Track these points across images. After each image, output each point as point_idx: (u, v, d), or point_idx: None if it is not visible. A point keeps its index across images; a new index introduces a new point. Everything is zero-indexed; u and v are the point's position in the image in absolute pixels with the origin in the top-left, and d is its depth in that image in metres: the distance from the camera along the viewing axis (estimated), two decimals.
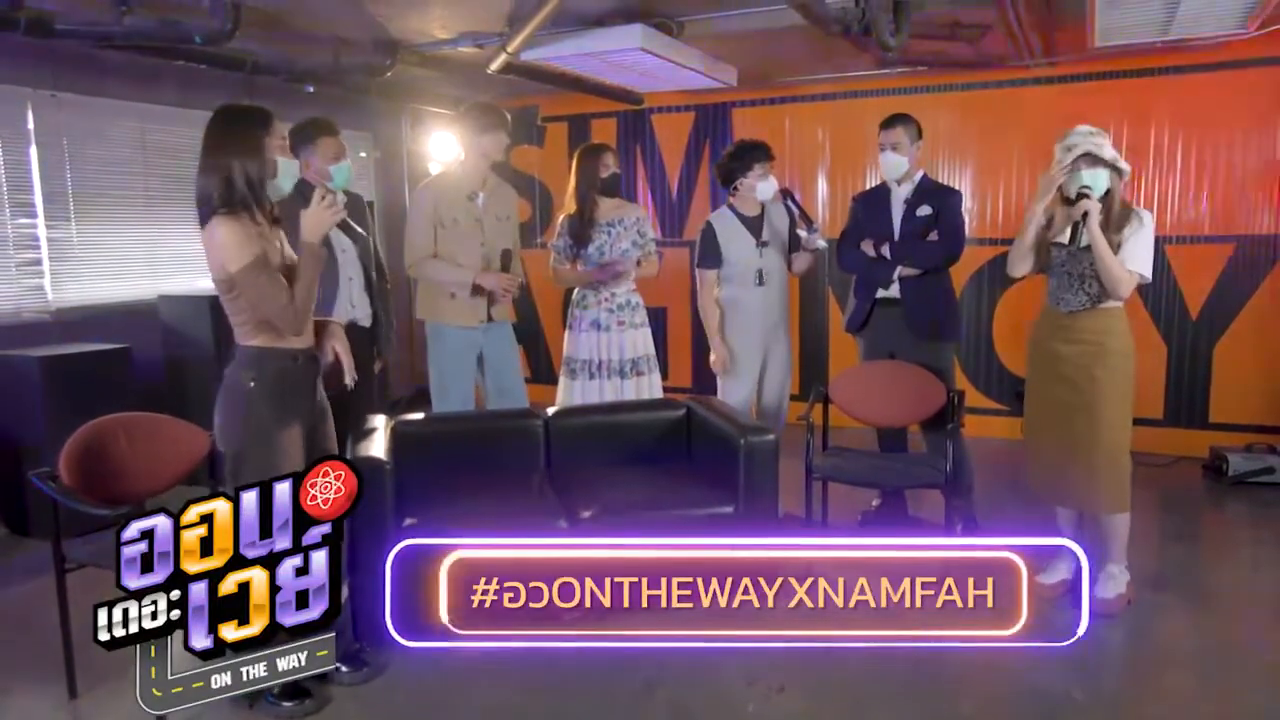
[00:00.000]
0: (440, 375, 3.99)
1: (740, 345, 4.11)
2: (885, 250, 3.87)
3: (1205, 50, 4.73)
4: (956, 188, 4.09)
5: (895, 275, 3.86)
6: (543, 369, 6.89)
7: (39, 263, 4.59)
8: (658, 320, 6.51)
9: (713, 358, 4.14)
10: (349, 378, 2.73)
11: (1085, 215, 3.09)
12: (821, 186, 6.18)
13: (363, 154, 6.42)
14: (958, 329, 4.06)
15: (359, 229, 2.86)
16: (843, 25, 3.87)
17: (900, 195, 3.91)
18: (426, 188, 3.96)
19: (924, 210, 3.85)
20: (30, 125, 4.52)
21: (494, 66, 4.46)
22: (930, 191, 3.90)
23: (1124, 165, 3.15)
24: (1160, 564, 3.70)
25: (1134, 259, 3.12)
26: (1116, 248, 3.11)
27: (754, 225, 4.08)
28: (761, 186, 4.02)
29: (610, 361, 4.15)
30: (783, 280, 4.12)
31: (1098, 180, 3.11)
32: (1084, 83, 5.32)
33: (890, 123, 3.87)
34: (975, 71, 5.30)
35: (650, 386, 4.22)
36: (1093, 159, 3.11)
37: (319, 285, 2.75)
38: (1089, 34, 4.05)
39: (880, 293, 3.92)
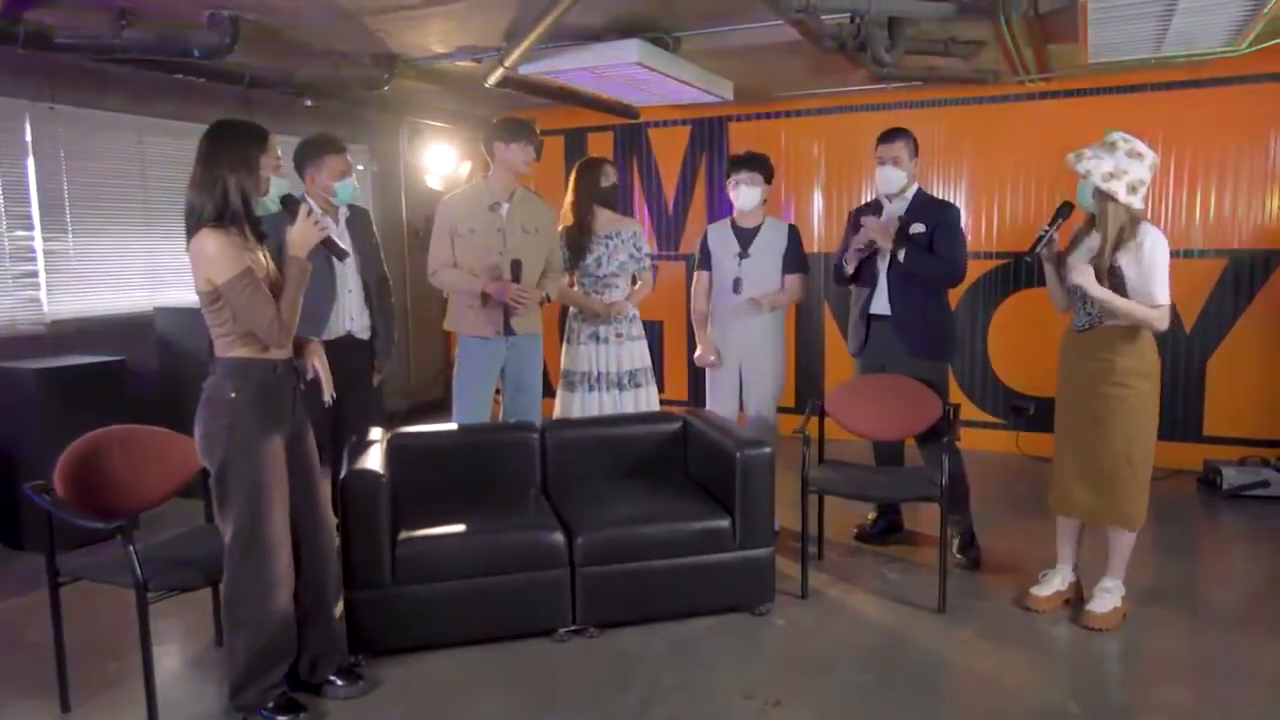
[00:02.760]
0: (458, 385, 4.00)
1: (718, 347, 4.21)
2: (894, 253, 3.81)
3: (1197, 66, 4.77)
4: (952, 202, 4.03)
5: (884, 280, 3.83)
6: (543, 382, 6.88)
7: (35, 275, 4.58)
8: (654, 333, 6.52)
9: (698, 352, 4.25)
10: (328, 395, 2.74)
11: (1048, 237, 3.23)
12: (817, 201, 6.21)
13: (360, 167, 6.44)
14: (951, 348, 4.01)
15: (343, 247, 2.85)
16: (838, 41, 3.90)
17: (893, 211, 3.89)
18: (447, 199, 4.00)
19: (917, 228, 3.80)
20: (28, 137, 4.53)
21: (491, 80, 4.48)
22: (924, 207, 3.86)
23: (1100, 183, 3.05)
24: (1156, 577, 3.71)
25: (1145, 292, 3.05)
26: (1116, 271, 3.08)
27: (744, 236, 4.13)
28: (734, 194, 4.11)
29: (608, 373, 4.17)
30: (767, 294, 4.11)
31: (1081, 191, 3.15)
32: (1077, 98, 5.36)
33: (891, 137, 3.84)
34: (969, 87, 5.33)
35: (648, 399, 4.25)
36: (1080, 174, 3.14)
37: (316, 297, 2.75)
38: (1082, 50, 4.08)
39: (873, 309, 3.91)
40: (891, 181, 3.85)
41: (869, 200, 3.96)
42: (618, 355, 4.17)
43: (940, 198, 4.04)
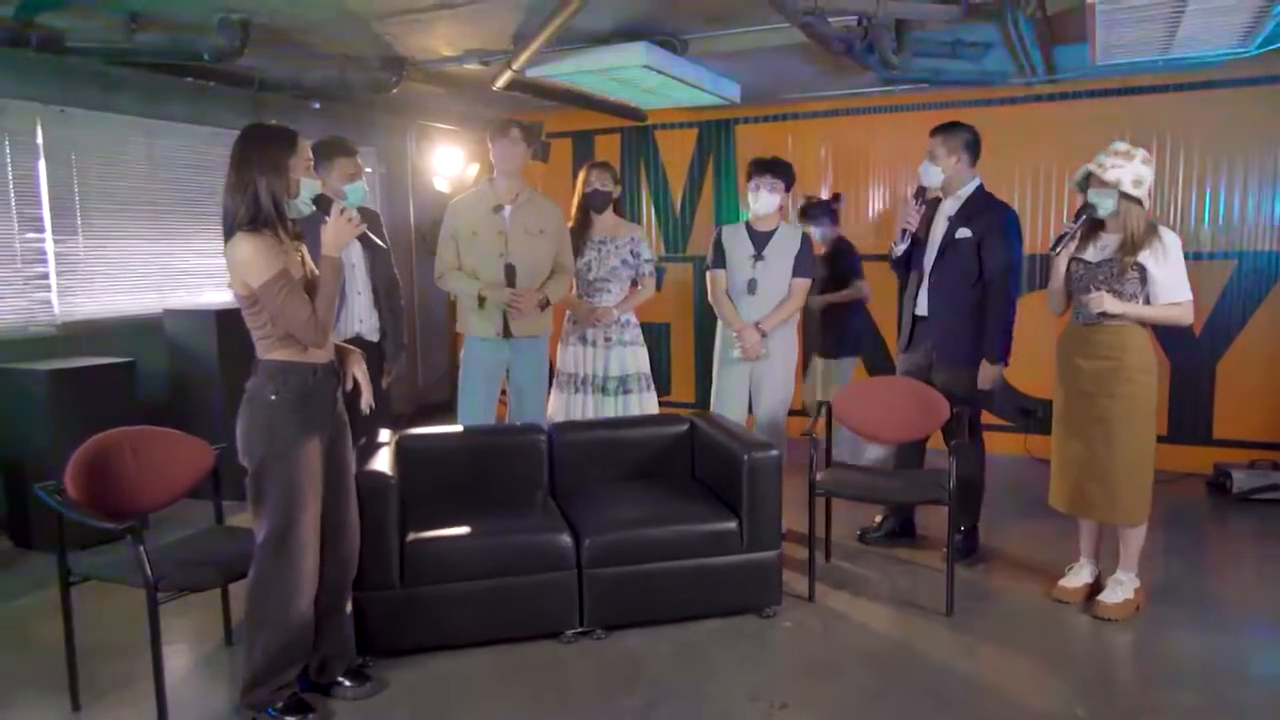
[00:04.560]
0: (464, 387, 4.02)
1: (725, 351, 4.18)
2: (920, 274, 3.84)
3: (1206, 68, 4.75)
4: (1007, 205, 3.84)
5: (926, 280, 3.82)
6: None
7: (46, 276, 4.62)
8: (660, 336, 6.54)
9: (745, 346, 4.06)
10: (366, 403, 2.77)
11: (1071, 234, 3.27)
12: None
13: (368, 169, 6.46)
14: (987, 352, 3.78)
15: (378, 241, 2.89)
16: (845, 43, 3.90)
17: (945, 211, 3.83)
18: (453, 202, 4.03)
19: (964, 233, 3.73)
20: (39, 140, 4.56)
21: (499, 83, 4.49)
22: (976, 210, 3.76)
23: (1129, 189, 3.11)
24: (1166, 580, 3.69)
25: (1172, 291, 3.17)
26: (1139, 268, 3.15)
27: (759, 238, 4.11)
28: (753, 198, 4.08)
29: (594, 377, 4.16)
30: (780, 298, 4.10)
31: (1102, 199, 3.18)
32: (1086, 100, 5.35)
33: (933, 131, 3.82)
34: (977, 89, 5.32)
35: (639, 405, 4.20)
36: (1098, 180, 3.16)
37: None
38: (1090, 52, 4.07)
39: (917, 309, 3.88)
40: (926, 176, 3.81)
41: (919, 187, 3.89)
42: (605, 360, 4.15)
43: (1000, 200, 3.84)
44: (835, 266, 5.02)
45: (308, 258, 2.66)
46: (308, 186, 2.59)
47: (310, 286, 2.58)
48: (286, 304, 2.48)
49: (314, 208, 2.62)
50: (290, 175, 2.54)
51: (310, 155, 2.64)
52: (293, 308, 2.49)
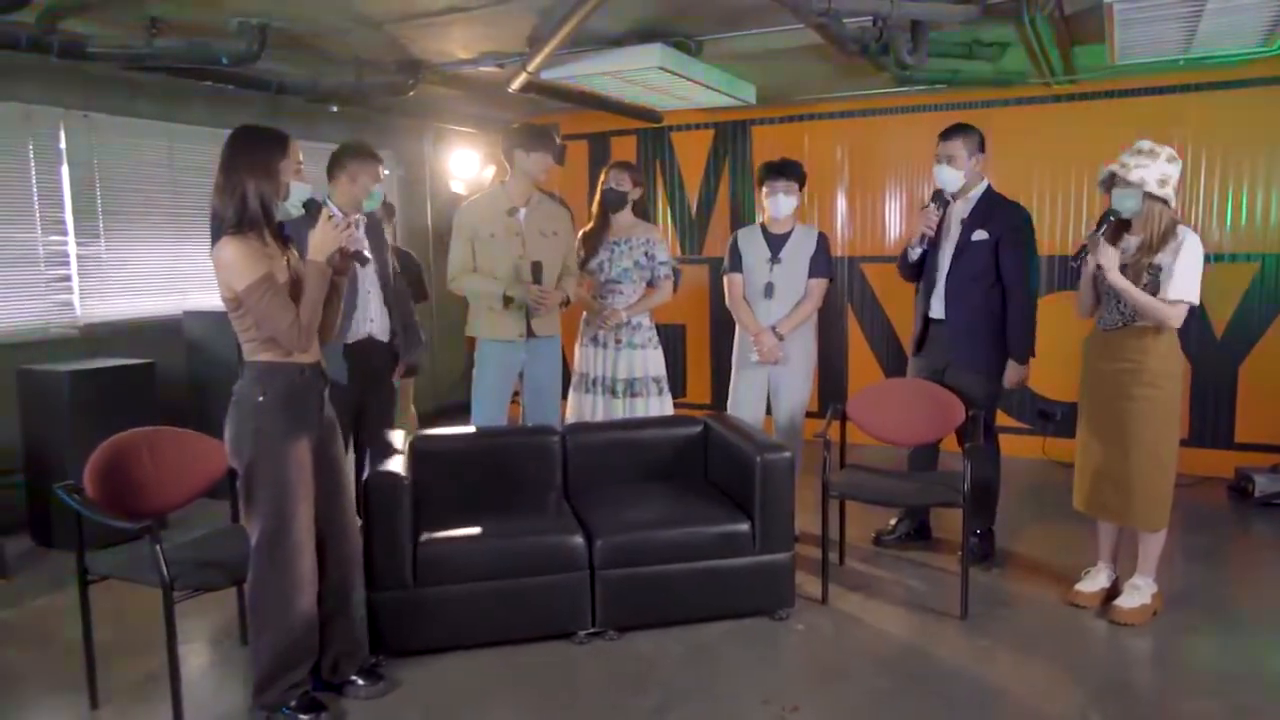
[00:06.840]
0: (477, 389, 4.03)
1: (743, 354, 4.17)
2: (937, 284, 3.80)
3: (1226, 67, 4.70)
4: (1020, 205, 3.80)
5: (941, 284, 3.78)
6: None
7: (68, 279, 4.68)
8: (676, 337, 6.54)
9: (763, 350, 4.07)
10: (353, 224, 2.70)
11: (1095, 242, 3.17)
12: (840, 203, 6.19)
13: (386, 172, 6.50)
14: (1002, 358, 3.81)
15: (367, 255, 2.86)
16: (860, 44, 3.89)
17: (957, 213, 3.78)
18: (465, 205, 4.05)
19: (980, 235, 3.69)
20: (62, 144, 4.63)
21: (515, 85, 4.51)
22: (989, 211, 3.72)
23: (1154, 189, 3.06)
24: (1185, 584, 3.65)
25: (1175, 288, 3.10)
26: (1155, 270, 3.10)
27: (774, 241, 4.11)
28: (770, 203, 4.08)
29: (604, 378, 4.16)
30: (798, 300, 4.10)
31: (1123, 201, 3.13)
32: (1105, 100, 5.30)
33: (948, 134, 3.73)
34: (994, 89, 5.29)
35: (647, 410, 4.15)
36: (1121, 181, 3.11)
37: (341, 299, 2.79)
38: (1109, 51, 4.04)
39: (931, 313, 3.85)
40: (946, 180, 3.73)
41: (936, 190, 3.83)
42: (614, 361, 4.15)
43: (1010, 200, 3.79)
44: (408, 279, 4.66)
45: (296, 261, 2.65)
46: (298, 190, 2.59)
47: (297, 291, 2.58)
48: (269, 308, 2.48)
49: (303, 211, 2.61)
50: (280, 179, 2.54)
51: (301, 158, 2.63)
52: (275, 312, 2.49)
